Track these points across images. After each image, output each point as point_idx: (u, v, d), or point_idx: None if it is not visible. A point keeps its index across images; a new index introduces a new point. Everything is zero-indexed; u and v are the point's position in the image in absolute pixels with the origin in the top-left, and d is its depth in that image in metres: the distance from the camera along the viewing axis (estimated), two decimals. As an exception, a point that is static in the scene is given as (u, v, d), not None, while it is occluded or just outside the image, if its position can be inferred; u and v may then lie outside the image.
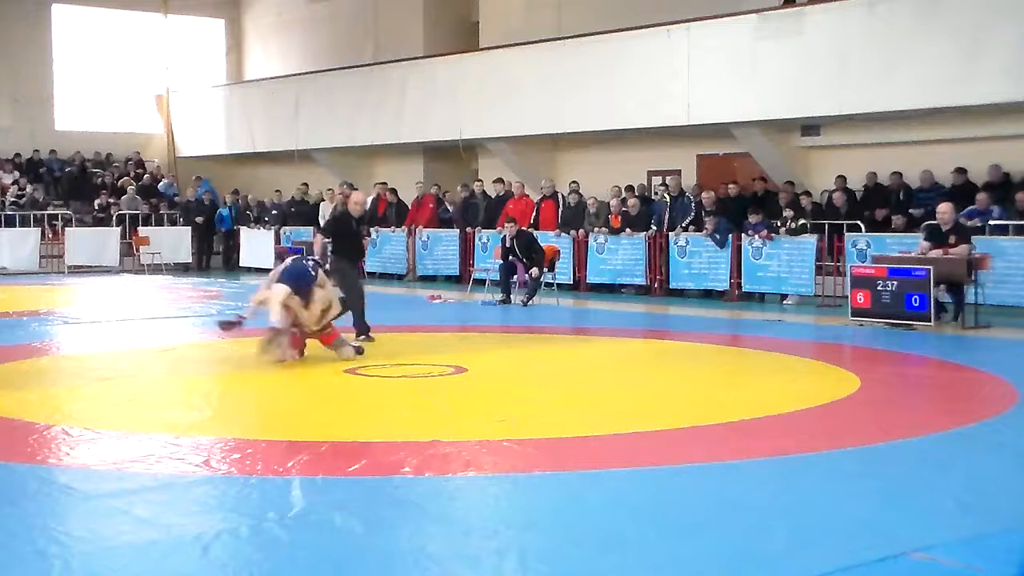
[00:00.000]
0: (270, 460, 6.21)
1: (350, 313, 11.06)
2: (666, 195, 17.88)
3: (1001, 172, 15.41)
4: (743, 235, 16.19)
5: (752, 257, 16.02)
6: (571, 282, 18.20)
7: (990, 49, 14.53)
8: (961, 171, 15.65)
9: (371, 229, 18.27)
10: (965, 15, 14.81)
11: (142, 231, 24.27)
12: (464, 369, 9.50)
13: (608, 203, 18.27)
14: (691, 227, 16.98)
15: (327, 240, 11.80)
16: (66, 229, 23.63)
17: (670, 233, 17.12)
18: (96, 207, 25.17)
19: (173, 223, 25.27)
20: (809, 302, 15.50)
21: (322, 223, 23.01)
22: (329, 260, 11.33)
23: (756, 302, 16.21)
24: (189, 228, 24.65)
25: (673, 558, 4.56)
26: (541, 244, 16.30)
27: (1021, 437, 7.00)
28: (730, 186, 17.81)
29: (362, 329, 11.19)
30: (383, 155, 25.11)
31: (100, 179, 26.98)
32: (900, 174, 16.34)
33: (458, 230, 20.28)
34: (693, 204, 17.30)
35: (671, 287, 17.13)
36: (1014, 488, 5.76)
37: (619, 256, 17.78)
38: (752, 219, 16.18)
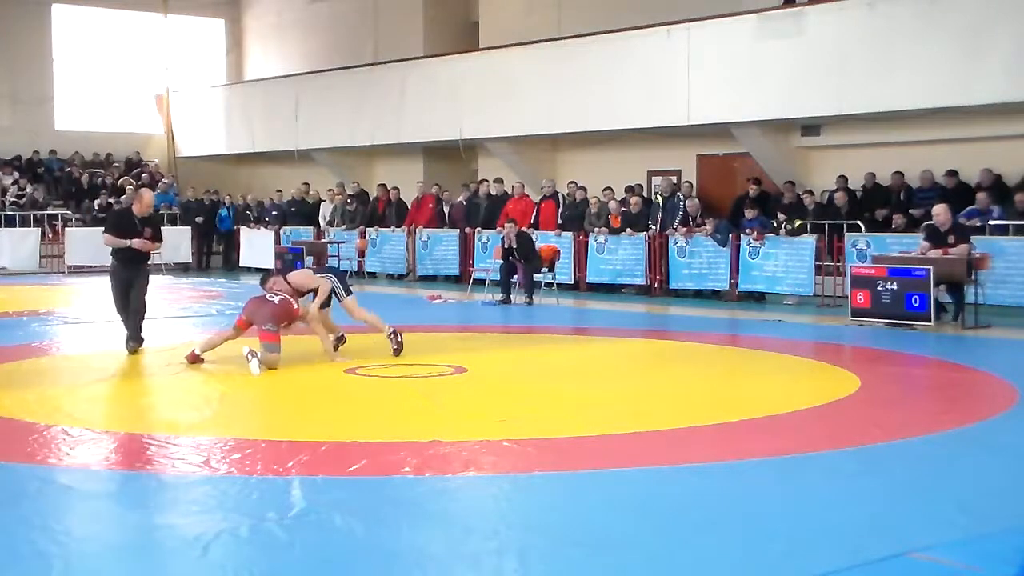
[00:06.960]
0: (270, 460, 6.20)
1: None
2: (659, 197, 17.90)
3: (994, 175, 15.39)
4: (741, 234, 16.18)
5: (749, 257, 15.99)
6: (571, 282, 18.19)
7: (990, 49, 14.53)
8: (952, 173, 15.65)
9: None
10: (965, 15, 14.81)
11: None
12: (464, 369, 9.49)
13: (607, 203, 18.26)
14: (680, 228, 16.98)
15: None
16: (66, 229, 23.62)
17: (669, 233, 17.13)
18: (96, 207, 25.16)
19: (173, 223, 25.27)
20: (809, 302, 15.49)
21: (322, 223, 23.19)
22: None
23: (756, 302, 16.20)
24: (189, 228, 24.64)
25: (673, 558, 4.56)
26: (537, 249, 16.29)
27: (1021, 437, 7.00)
28: (752, 186, 17.64)
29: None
30: (383, 155, 25.10)
31: (100, 179, 26.98)
32: (901, 174, 16.33)
33: (458, 230, 20.27)
34: (682, 205, 17.31)
35: (671, 287, 17.12)
36: (1014, 488, 5.75)
37: (619, 256, 17.76)
38: (748, 214, 16.19)
